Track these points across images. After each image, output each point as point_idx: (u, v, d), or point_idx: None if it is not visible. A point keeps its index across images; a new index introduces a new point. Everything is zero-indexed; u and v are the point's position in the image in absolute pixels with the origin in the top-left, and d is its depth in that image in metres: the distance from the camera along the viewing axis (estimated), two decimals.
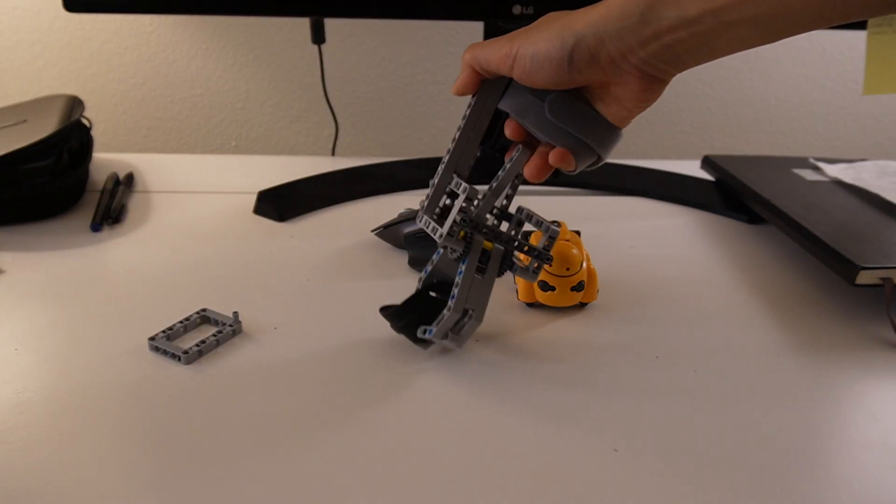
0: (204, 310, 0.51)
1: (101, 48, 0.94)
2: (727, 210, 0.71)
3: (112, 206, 0.67)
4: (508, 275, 0.57)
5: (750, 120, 1.03)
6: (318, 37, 0.82)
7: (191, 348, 0.46)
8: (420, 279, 0.48)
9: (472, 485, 0.37)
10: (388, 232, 0.61)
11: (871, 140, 1.05)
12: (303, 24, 0.93)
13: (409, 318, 0.47)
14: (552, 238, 0.46)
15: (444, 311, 0.44)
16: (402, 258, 0.60)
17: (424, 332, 0.45)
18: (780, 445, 0.40)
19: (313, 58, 0.95)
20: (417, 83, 0.97)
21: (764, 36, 0.35)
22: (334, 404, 0.43)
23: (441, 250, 0.47)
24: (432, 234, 0.45)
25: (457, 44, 0.95)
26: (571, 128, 0.42)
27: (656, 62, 0.38)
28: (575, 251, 0.51)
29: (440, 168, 0.46)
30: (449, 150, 0.46)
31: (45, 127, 0.68)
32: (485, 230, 0.45)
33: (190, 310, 0.51)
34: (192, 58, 0.95)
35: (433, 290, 0.48)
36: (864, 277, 0.51)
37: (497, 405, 0.43)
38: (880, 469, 0.39)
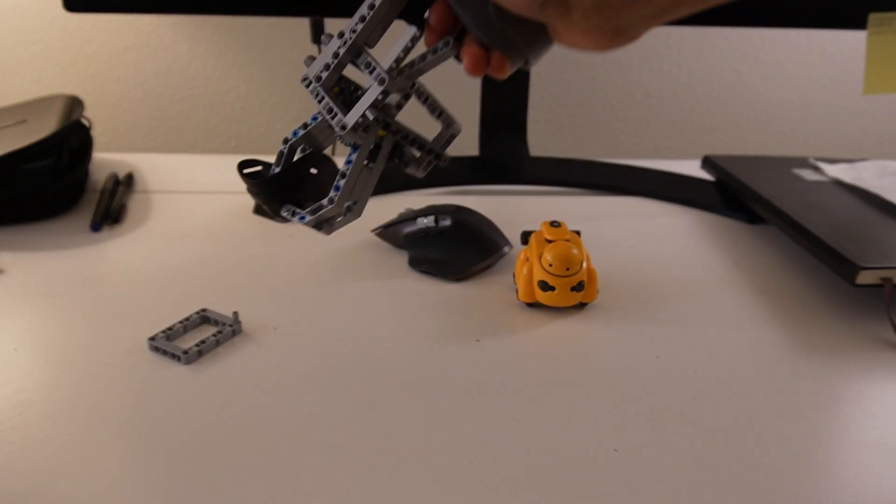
0: (204, 310, 0.51)
1: (101, 48, 0.94)
2: (727, 210, 0.71)
3: (112, 206, 0.67)
4: (509, 275, 0.57)
5: (750, 120, 1.03)
6: (318, 37, 0.82)
7: (191, 348, 0.46)
8: (286, 139, 0.43)
9: (472, 485, 0.37)
10: (388, 232, 0.61)
11: (871, 140, 1.05)
12: (303, 24, 0.93)
13: (277, 189, 0.41)
14: (453, 135, 0.42)
15: (325, 202, 0.40)
16: (402, 258, 0.60)
17: (293, 214, 0.42)
18: (781, 445, 0.40)
19: None
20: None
21: None
22: (334, 405, 0.43)
23: (318, 117, 0.41)
24: (328, 118, 0.40)
25: None
26: (516, 34, 0.38)
27: (636, 20, 0.34)
28: (575, 251, 0.51)
29: (348, 34, 0.39)
30: (363, 17, 0.39)
31: (44, 127, 0.68)
32: (388, 123, 0.41)
33: (190, 310, 0.51)
34: (192, 58, 0.95)
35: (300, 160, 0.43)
36: (864, 277, 0.51)
37: (496, 405, 0.43)
38: (880, 469, 0.39)
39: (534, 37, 0.38)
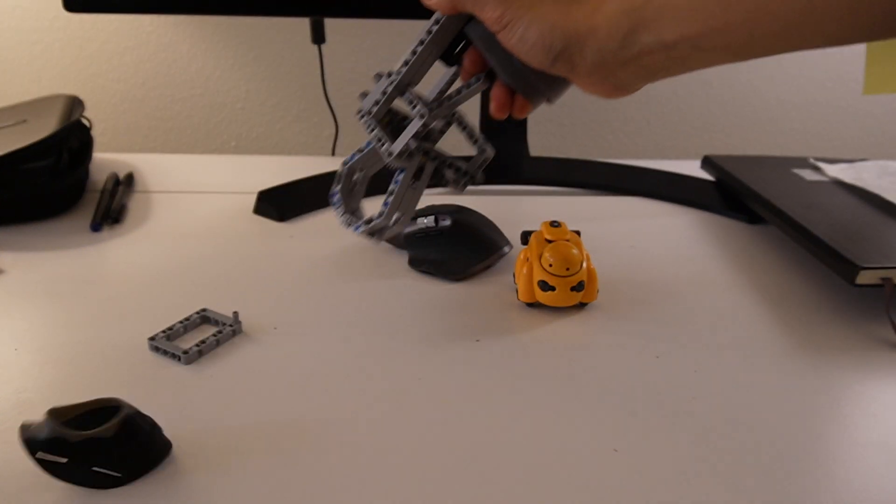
0: (204, 310, 0.51)
1: (101, 48, 0.94)
2: (727, 210, 0.71)
3: (112, 206, 0.67)
4: (509, 275, 0.57)
5: (750, 120, 1.03)
6: (318, 37, 0.82)
7: (191, 348, 0.46)
8: (345, 162, 0.49)
9: (472, 485, 0.37)
10: None
11: (871, 140, 1.05)
12: (303, 24, 0.93)
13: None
14: (486, 160, 0.49)
15: (375, 216, 0.47)
16: (402, 258, 0.60)
17: (349, 223, 0.48)
18: (781, 445, 0.40)
19: (313, 58, 0.95)
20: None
21: (737, 58, 0.37)
22: (335, 405, 0.43)
23: (371, 144, 0.47)
24: (378, 146, 0.46)
25: None
26: (539, 81, 0.43)
27: (631, 79, 0.40)
28: (575, 251, 0.51)
29: (395, 76, 0.45)
30: (406, 62, 0.45)
31: (44, 127, 0.68)
32: (428, 151, 0.47)
33: (190, 310, 0.51)
34: (192, 58, 0.95)
35: (351, 176, 0.50)
36: (864, 277, 0.51)
37: (497, 405, 0.43)
38: (880, 469, 0.39)
39: (553, 81, 0.43)
